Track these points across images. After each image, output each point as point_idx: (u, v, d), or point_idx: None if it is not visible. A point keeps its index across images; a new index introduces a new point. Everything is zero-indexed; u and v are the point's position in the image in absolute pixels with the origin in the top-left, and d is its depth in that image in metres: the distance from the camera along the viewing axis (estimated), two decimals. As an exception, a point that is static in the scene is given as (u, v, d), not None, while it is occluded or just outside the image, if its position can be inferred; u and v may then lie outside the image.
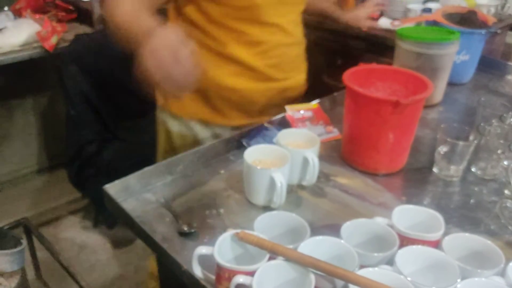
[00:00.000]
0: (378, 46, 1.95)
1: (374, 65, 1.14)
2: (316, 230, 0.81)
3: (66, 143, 2.07)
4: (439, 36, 1.34)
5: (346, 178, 1.05)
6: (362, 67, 1.11)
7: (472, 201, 1.00)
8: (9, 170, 2.41)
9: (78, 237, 2.12)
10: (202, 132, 1.31)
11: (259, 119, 1.25)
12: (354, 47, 2.08)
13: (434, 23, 1.54)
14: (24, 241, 0.80)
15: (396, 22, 1.75)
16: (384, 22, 2.02)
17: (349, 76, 1.04)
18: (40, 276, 1.09)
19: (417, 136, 1.10)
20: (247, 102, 1.28)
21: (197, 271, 0.74)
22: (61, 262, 0.98)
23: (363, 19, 1.66)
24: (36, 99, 2.41)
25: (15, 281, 0.76)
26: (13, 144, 2.40)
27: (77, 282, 0.95)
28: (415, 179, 1.07)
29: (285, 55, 1.28)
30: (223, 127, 1.29)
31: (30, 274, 1.29)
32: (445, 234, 0.79)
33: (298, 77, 1.36)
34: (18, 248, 0.77)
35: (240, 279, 0.66)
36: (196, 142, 1.29)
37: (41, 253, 1.39)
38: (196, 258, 0.74)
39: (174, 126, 1.32)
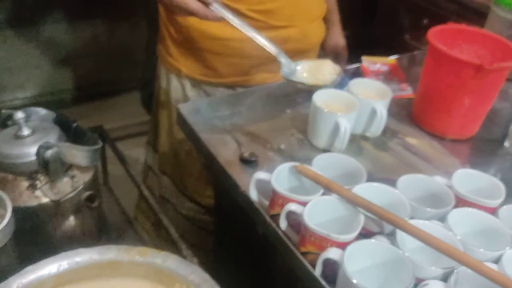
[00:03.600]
0: (470, 11, 1.84)
1: (463, 26, 1.09)
2: (372, 180, 0.82)
3: (143, 67, 2.16)
4: (539, 7, 1.25)
5: (412, 137, 1.04)
6: (450, 26, 1.07)
7: (540, 180, 0.96)
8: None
9: (142, 158, 2.24)
10: (191, 91, 1.23)
11: (256, 76, 1.17)
12: (443, 9, 1.98)
13: (538, -7, 1.43)
14: (101, 142, 0.86)
15: (495, -13, 1.64)
16: (482, -13, 1.89)
17: (434, 34, 1.01)
18: (107, 182, 1.18)
19: (494, 107, 1.06)
20: (237, 55, 1.14)
21: (253, 194, 0.79)
22: (129, 171, 1.06)
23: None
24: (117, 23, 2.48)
25: (88, 176, 0.84)
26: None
27: (140, 190, 1.03)
28: (483, 150, 1.04)
29: None
30: (216, 85, 1.20)
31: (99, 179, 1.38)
32: (504, 204, 0.78)
33: (304, 25, 1.17)
34: (95, 147, 0.84)
35: (292, 206, 0.70)
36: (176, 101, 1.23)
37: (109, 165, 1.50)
38: (254, 181, 0.78)
39: (163, 83, 1.27)
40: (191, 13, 0.89)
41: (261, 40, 0.93)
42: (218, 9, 0.90)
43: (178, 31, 1.17)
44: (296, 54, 1.14)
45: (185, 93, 1.24)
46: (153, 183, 1.45)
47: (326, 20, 1.40)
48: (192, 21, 1.09)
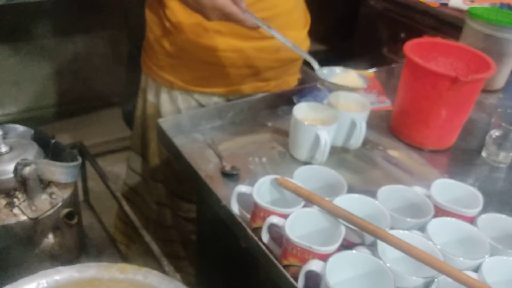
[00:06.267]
0: (445, 25, 1.89)
1: (438, 39, 1.11)
2: (353, 192, 0.82)
3: (124, 82, 2.15)
4: (511, 21, 1.29)
5: (391, 149, 1.06)
6: (425, 39, 1.09)
7: (516, 189, 0.98)
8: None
9: (123, 174, 2.22)
10: (182, 103, 1.23)
11: (249, 86, 1.19)
12: (420, 23, 2.02)
13: (509, 7, 1.47)
14: (80, 159, 0.85)
15: (469, 1, 1.69)
16: (456, 1, 1.95)
17: (410, 47, 1.03)
18: (88, 199, 1.17)
19: (470, 118, 1.08)
20: (231, 65, 1.16)
21: (235, 208, 0.79)
22: (109, 187, 1.05)
23: None
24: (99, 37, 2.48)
25: (67, 193, 0.82)
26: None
27: (121, 206, 1.02)
28: (461, 160, 1.06)
29: (276, 7, 1.14)
30: (209, 94, 1.20)
31: (79, 195, 1.37)
32: (482, 213, 0.79)
33: (294, 34, 1.18)
34: (74, 163, 0.83)
35: (274, 219, 0.70)
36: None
37: (90, 182, 1.48)
38: (235, 195, 0.78)
39: (150, 96, 1.27)
40: (227, 15, 0.89)
41: (297, 49, 1.00)
42: (251, 17, 0.92)
43: (172, 43, 1.17)
44: (287, 63, 1.21)
45: (177, 105, 1.23)
46: (143, 190, 1.43)
47: None
48: (188, 32, 1.11)
